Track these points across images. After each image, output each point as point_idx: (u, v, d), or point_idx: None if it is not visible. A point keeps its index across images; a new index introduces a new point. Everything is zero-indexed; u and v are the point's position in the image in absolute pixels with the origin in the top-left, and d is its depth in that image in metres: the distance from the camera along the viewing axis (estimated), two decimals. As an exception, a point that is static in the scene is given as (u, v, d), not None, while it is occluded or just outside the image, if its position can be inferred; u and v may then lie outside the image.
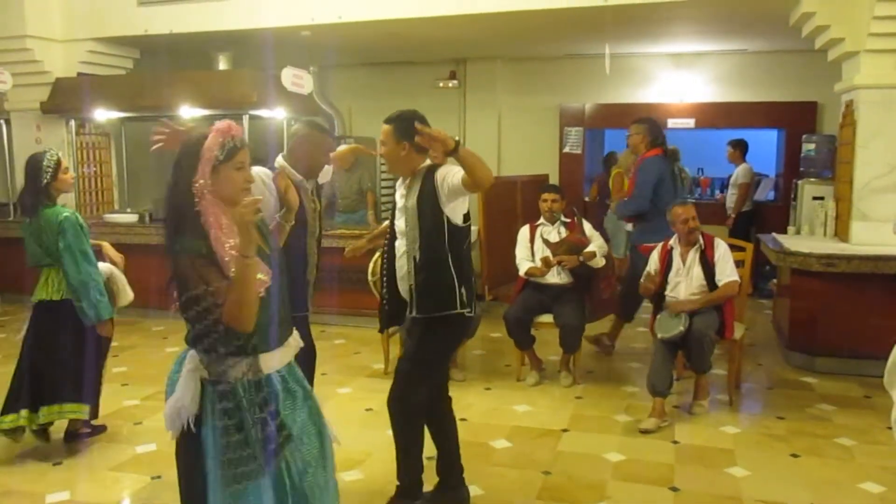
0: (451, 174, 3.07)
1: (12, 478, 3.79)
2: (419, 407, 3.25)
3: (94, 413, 4.22)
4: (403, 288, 3.22)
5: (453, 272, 3.16)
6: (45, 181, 3.91)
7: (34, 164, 3.94)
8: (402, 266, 3.20)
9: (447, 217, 3.14)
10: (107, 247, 4.40)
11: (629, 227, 5.88)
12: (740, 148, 8.37)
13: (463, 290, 3.18)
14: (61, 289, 3.94)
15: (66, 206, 4.06)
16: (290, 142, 3.55)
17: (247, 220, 2.03)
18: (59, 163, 3.97)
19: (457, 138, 2.91)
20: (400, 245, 3.21)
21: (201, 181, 2.14)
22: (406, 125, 3.07)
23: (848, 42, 5.67)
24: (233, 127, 2.21)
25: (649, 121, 5.87)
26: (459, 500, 3.44)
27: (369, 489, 3.60)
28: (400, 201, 3.22)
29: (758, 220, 8.38)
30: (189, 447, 2.23)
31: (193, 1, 7.24)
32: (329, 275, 6.17)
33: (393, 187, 3.52)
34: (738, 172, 8.28)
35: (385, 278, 3.34)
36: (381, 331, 4.14)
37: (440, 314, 3.18)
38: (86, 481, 3.74)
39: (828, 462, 3.98)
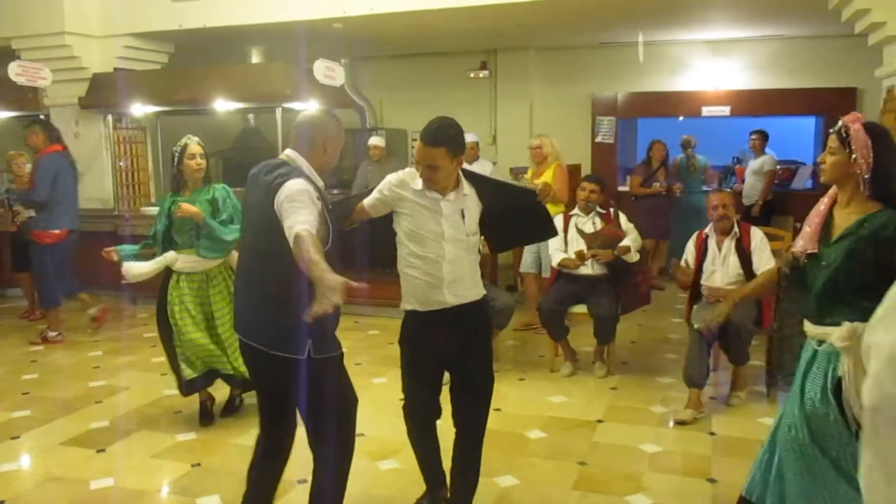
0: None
1: (57, 465, 3.89)
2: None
3: None
4: (454, 293, 2.99)
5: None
6: (175, 167, 4.05)
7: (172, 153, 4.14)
8: (454, 271, 2.97)
9: None
10: (184, 206, 4.09)
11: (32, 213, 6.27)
12: (764, 138, 8.34)
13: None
14: None
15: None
16: (304, 132, 2.74)
17: None
18: (183, 148, 4.03)
19: None
20: (450, 250, 2.95)
21: None
22: (457, 140, 2.87)
23: (890, 26, 5.53)
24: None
25: (43, 122, 6.83)
26: None
27: (405, 479, 3.64)
28: (447, 207, 2.93)
29: (777, 208, 8.30)
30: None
31: (226, -5, 7.33)
32: (362, 265, 6.22)
33: None
34: (765, 161, 8.25)
35: None
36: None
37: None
38: (128, 468, 3.83)
39: (869, 454, 3.91)
